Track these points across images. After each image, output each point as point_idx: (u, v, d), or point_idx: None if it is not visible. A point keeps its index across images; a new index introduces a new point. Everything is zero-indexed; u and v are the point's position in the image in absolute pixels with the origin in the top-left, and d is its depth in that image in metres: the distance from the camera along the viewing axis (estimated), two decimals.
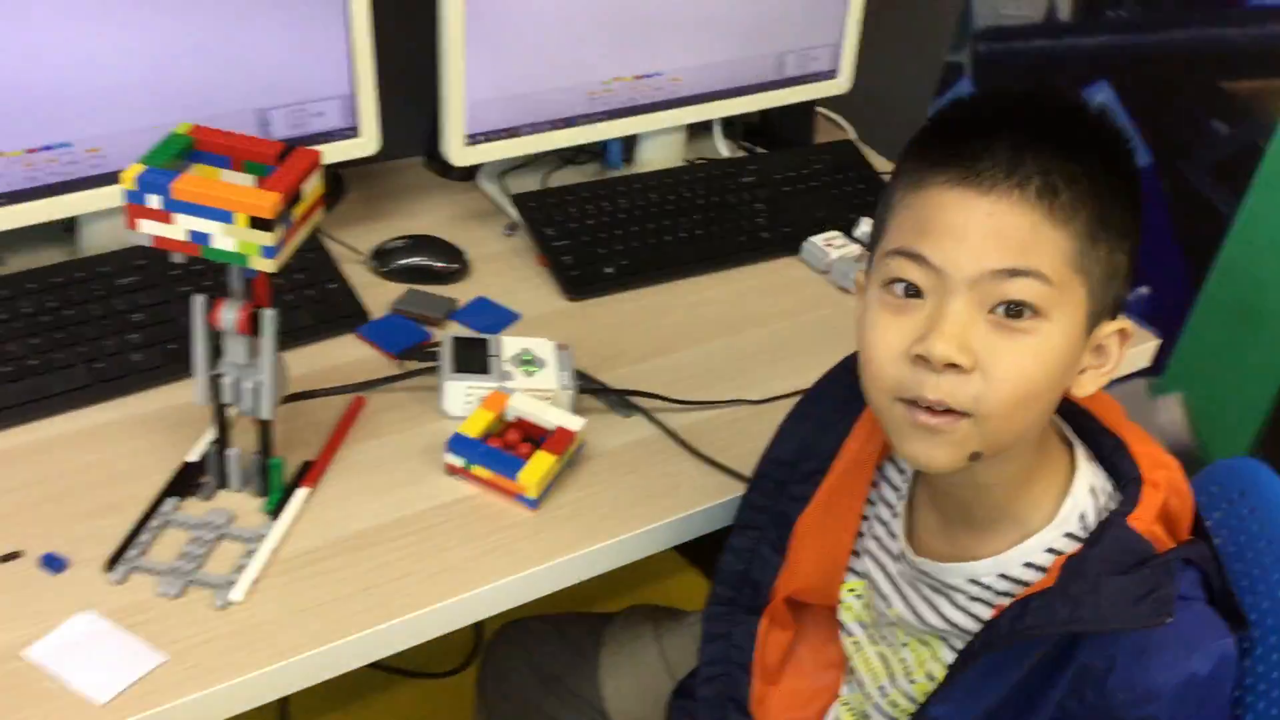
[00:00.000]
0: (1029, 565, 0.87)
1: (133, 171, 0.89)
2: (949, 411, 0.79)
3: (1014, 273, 0.77)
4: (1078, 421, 0.92)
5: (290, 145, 0.94)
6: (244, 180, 0.93)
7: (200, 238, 0.90)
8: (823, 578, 1.02)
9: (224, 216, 0.89)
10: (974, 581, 0.90)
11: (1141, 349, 1.41)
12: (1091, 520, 0.87)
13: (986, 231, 0.77)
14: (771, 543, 1.02)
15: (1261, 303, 1.67)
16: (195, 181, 0.89)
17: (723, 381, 1.28)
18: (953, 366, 0.78)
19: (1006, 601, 0.86)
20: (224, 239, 0.90)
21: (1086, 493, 0.87)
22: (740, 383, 1.28)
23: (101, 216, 1.25)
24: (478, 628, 1.90)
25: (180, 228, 0.90)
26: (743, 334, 1.36)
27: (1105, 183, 0.79)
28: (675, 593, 2.01)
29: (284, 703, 1.74)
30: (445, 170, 1.56)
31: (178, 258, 0.93)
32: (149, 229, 0.91)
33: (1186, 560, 0.84)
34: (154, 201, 0.89)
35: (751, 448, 1.17)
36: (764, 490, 1.03)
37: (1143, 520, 0.83)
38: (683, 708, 1.19)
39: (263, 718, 1.69)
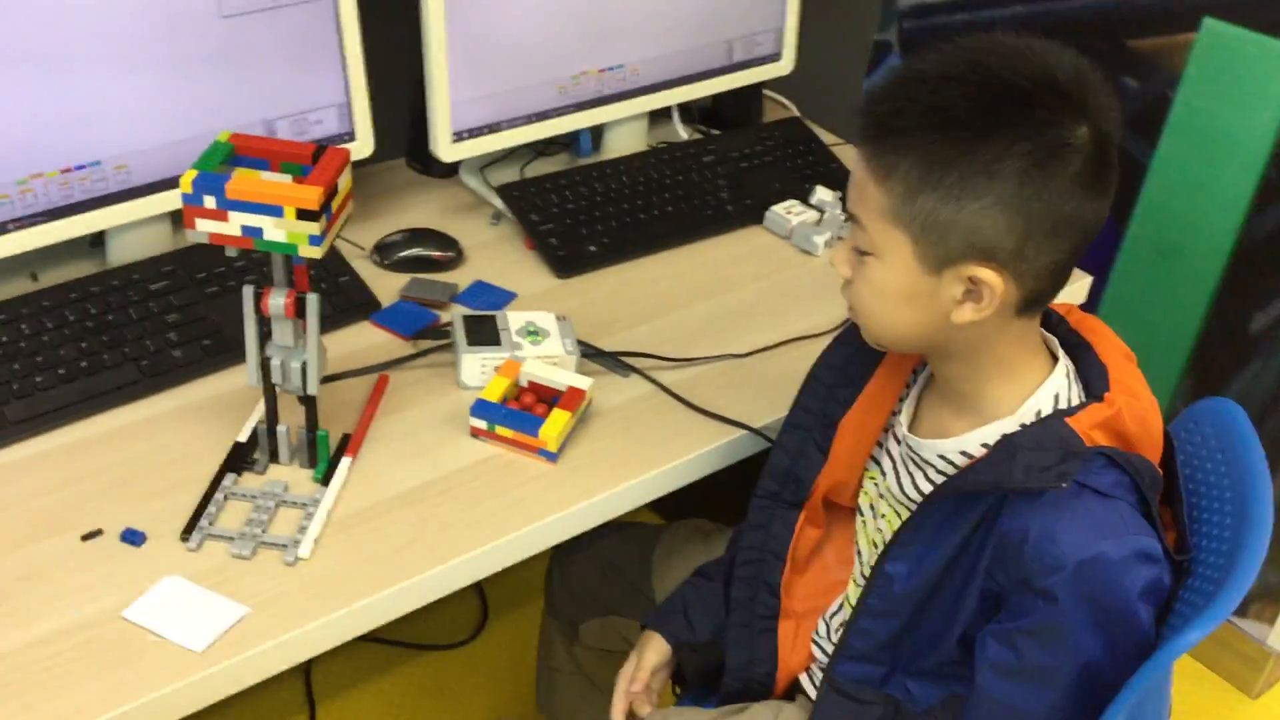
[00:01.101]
0: (984, 445, 1.03)
1: (188, 177, 1.00)
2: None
3: (850, 217, 1.00)
4: (1076, 352, 1.05)
5: (322, 146, 1.05)
6: (283, 179, 1.04)
7: (253, 231, 1.01)
8: (853, 471, 1.17)
9: (275, 211, 1.00)
10: (941, 456, 1.06)
11: (1076, 286, 1.56)
12: (1063, 405, 1.01)
13: (851, 177, 0.99)
14: (816, 442, 1.16)
15: (1181, 239, 1.83)
16: (246, 181, 1.00)
17: (706, 340, 1.41)
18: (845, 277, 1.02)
19: None
20: (275, 231, 1.01)
21: (1050, 396, 1.02)
22: (722, 340, 1.41)
23: (128, 229, 1.35)
24: (484, 600, 2.02)
25: (235, 224, 1.01)
26: (719, 297, 1.49)
27: (929, 147, 0.91)
28: None
29: (308, 678, 1.84)
30: (427, 168, 1.67)
31: (231, 252, 1.04)
32: (206, 227, 1.01)
33: (1112, 461, 0.96)
34: (210, 202, 1.00)
35: (738, 395, 1.32)
36: (815, 393, 1.16)
37: (1081, 423, 0.96)
38: (695, 581, 1.31)
39: (288, 693, 1.81)
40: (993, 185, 0.91)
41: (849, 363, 1.14)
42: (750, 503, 1.21)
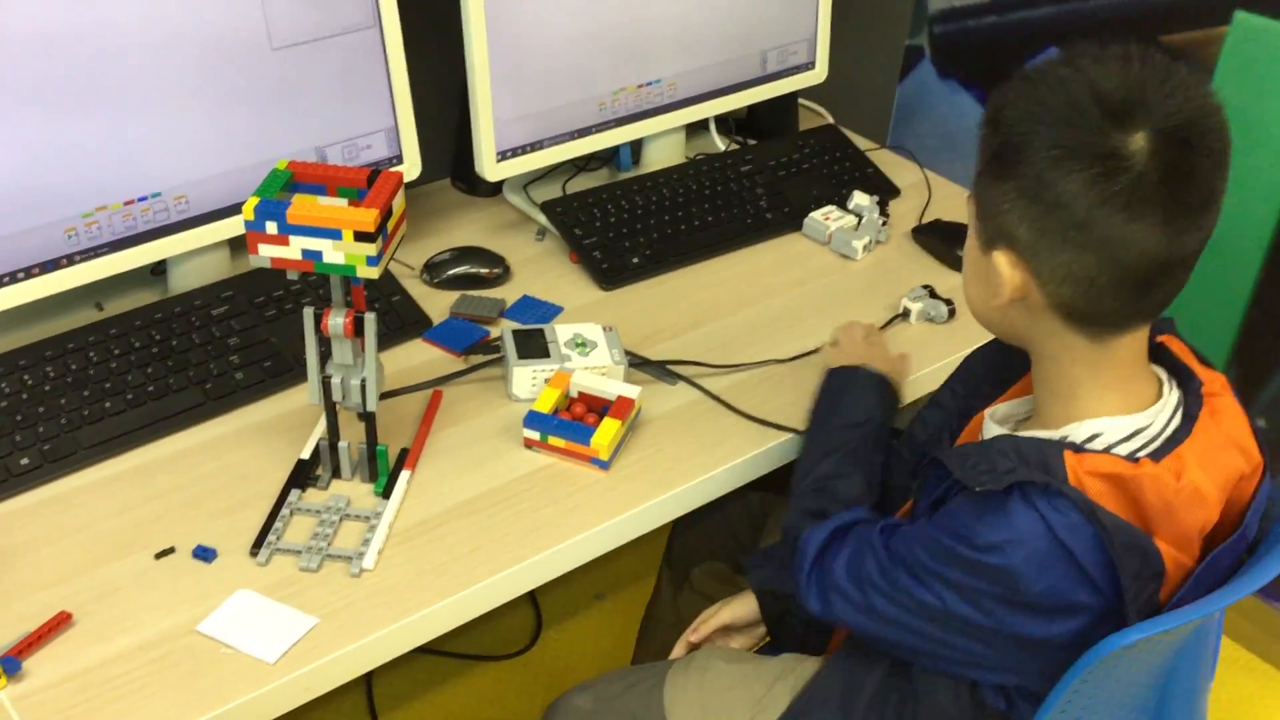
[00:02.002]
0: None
1: (251, 204, 1.04)
2: None
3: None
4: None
5: (376, 170, 1.09)
6: (339, 204, 1.07)
7: (313, 255, 1.05)
8: None
9: (334, 234, 1.04)
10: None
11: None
12: (1098, 447, 0.98)
13: None
14: (952, 430, 1.19)
15: (1219, 232, 1.83)
16: (306, 206, 1.04)
17: (751, 346, 1.43)
18: None
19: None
20: (334, 253, 1.05)
21: (1089, 429, 0.99)
22: (766, 345, 1.43)
23: (189, 257, 1.40)
24: (538, 610, 2.05)
25: (295, 248, 1.05)
26: (762, 304, 1.52)
27: (994, 130, 0.96)
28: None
29: (369, 691, 1.88)
30: (471, 188, 1.71)
31: (291, 275, 1.08)
32: (268, 252, 1.05)
33: (1084, 514, 0.92)
34: (271, 228, 1.04)
35: (785, 400, 1.34)
36: (964, 380, 1.21)
37: (1080, 463, 0.94)
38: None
39: (350, 706, 1.85)
40: (1020, 169, 0.93)
41: (999, 359, 1.16)
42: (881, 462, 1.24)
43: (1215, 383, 1.04)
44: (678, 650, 1.33)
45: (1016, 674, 1.03)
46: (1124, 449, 0.98)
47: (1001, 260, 0.97)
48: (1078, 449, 0.96)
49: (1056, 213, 0.92)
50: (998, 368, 1.16)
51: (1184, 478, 0.95)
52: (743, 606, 1.32)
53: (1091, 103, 0.90)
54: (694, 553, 1.54)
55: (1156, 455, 0.97)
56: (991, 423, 1.10)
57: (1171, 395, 1.02)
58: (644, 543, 1.26)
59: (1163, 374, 1.04)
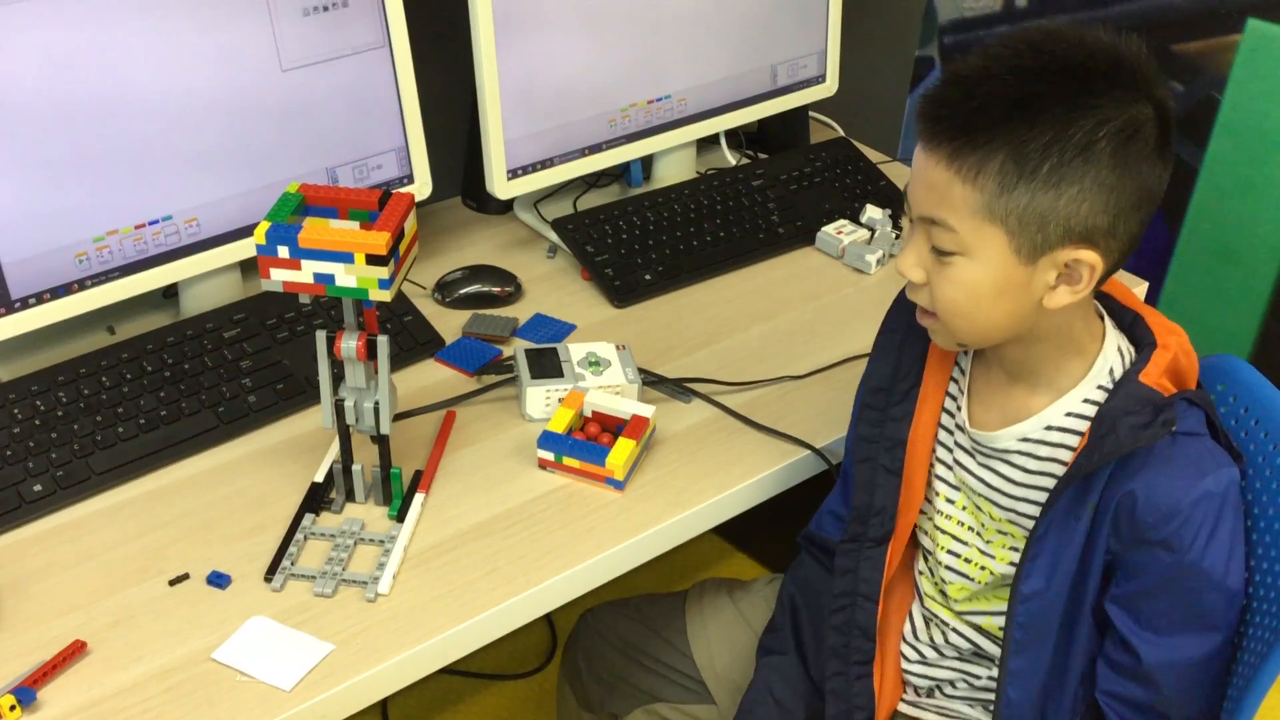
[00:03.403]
0: (1070, 414, 1.05)
1: (262, 228, 1.03)
2: (926, 311, 1.04)
3: (931, 221, 0.99)
4: (1103, 302, 1.09)
5: (387, 192, 1.09)
6: (351, 226, 1.07)
7: (325, 278, 1.05)
8: (925, 478, 1.17)
9: (345, 258, 1.03)
10: (1024, 439, 1.07)
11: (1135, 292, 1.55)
12: (1119, 373, 1.04)
13: (920, 181, 0.99)
14: (886, 466, 1.16)
15: (1235, 240, 1.82)
16: (317, 229, 1.03)
17: (765, 362, 1.42)
18: (913, 281, 1.02)
19: (1054, 464, 1.06)
20: (346, 277, 1.04)
21: (1115, 351, 1.06)
22: (781, 361, 1.42)
23: (200, 279, 1.39)
24: (552, 628, 2.04)
25: (307, 272, 1.04)
26: (776, 319, 1.51)
27: (1021, 139, 0.93)
28: (727, 575, 2.14)
29: (384, 711, 1.87)
30: (482, 206, 1.71)
31: (304, 299, 1.07)
32: (280, 276, 1.05)
33: (1190, 402, 1.02)
34: (283, 252, 1.03)
35: (802, 415, 1.33)
36: (870, 421, 1.17)
37: (1151, 376, 1.02)
38: (768, 661, 1.29)
39: None
40: (1088, 168, 0.94)
41: (893, 380, 1.16)
42: (837, 549, 1.21)
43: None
44: None
45: None
46: (1127, 349, 1.07)
47: (1084, 255, 0.97)
48: (1138, 370, 1.02)
49: (1133, 188, 0.96)
50: (891, 391, 1.16)
51: (1174, 329, 1.06)
52: None
53: (1122, 75, 0.95)
54: (612, 686, 1.39)
55: (1145, 338, 1.06)
56: (995, 431, 1.09)
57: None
58: (659, 560, 1.25)
59: None
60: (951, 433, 1.14)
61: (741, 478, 1.26)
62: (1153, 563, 1.01)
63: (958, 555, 1.16)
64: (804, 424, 1.32)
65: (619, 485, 1.23)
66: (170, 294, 1.42)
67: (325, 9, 1.36)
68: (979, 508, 1.13)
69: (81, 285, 1.29)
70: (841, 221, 1.65)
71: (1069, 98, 0.94)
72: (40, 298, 1.27)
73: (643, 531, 1.19)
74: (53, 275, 1.27)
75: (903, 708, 1.23)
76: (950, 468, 1.15)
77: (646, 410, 1.27)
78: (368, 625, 1.07)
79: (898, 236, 1.64)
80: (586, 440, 1.25)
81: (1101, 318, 1.08)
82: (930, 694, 1.23)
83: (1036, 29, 0.97)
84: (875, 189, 1.76)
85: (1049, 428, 1.06)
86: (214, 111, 1.32)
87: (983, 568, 1.14)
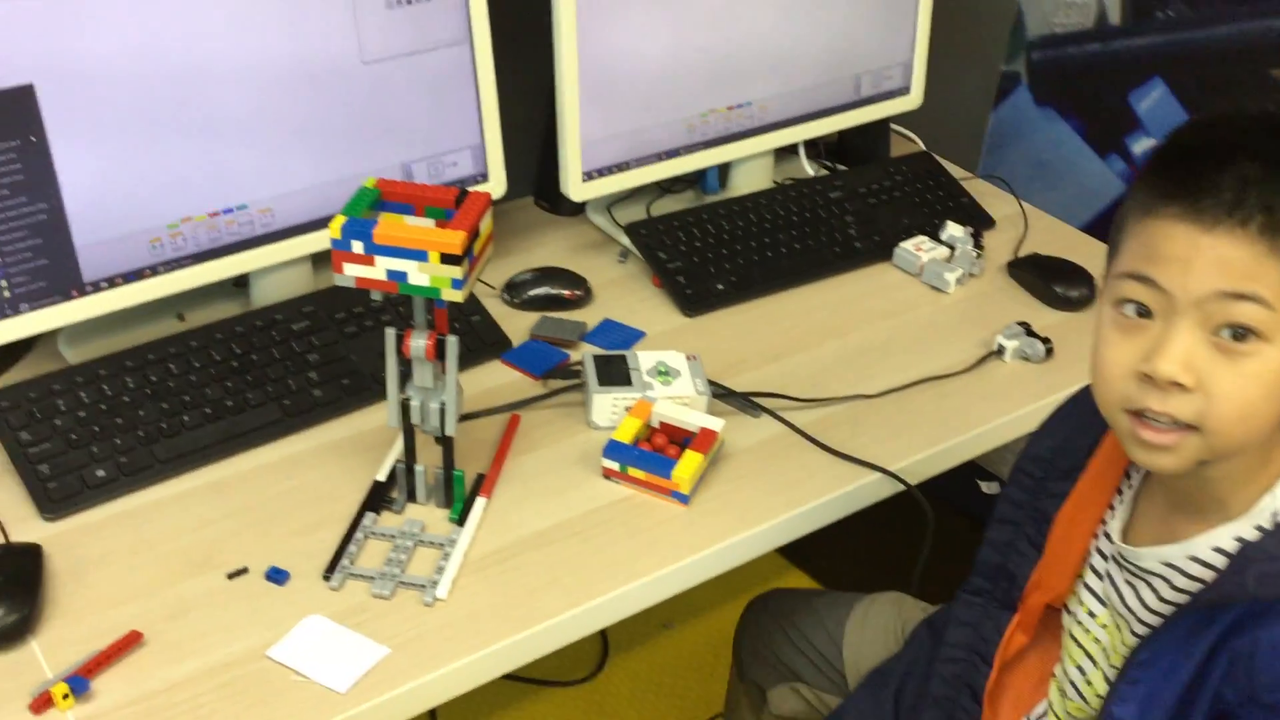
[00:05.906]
0: (1217, 550, 0.92)
1: (337, 222, 1.02)
2: (1176, 425, 0.86)
3: (1238, 296, 0.83)
4: None
5: (464, 190, 1.07)
6: (426, 224, 1.05)
7: (398, 276, 1.03)
8: (1069, 571, 1.07)
9: (419, 255, 1.01)
10: (1167, 564, 0.95)
11: None
12: None
13: (1209, 261, 0.83)
14: (1029, 538, 1.09)
15: None
16: (392, 226, 1.02)
17: (837, 380, 1.39)
18: (1177, 385, 0.85)
19: (1188, 597, 0.93)
20: (419, 275, 1.02)
21: None
22: (853, 380, 1.39)
23: (271, 270, 1.38)
24: (604, 637, 2.02)
25: (380, 268, 1.03)
26: (849, 336, 1.47)
27: None
28: None
29: (433, 711, 1.85)
30: (555, 207, 1.69)
31: (374, 295, 1.05)
32: (353, 271, 1.03)
33: None
34: (357, 247, 1.02)
35: (871, 438, 1.30)
36: (1023, 486, 1.09)
37: None
38: (864, 695, 1.25)
39: None
40: None
41: (1057, 455, 1.07)
42: (957, 598, 1.15)
43: None
44: None
45: None
46: None
47: None
48: None
49: None
50: (1054, 464, 1.07)
51: None
52: None
53: None
54: (766, 661, 1.42)
55: None
56: (1140, 549, 0.97)
57: None
58: None
59: None
60: (1104, 556, 1.05)
61: (810, 497, 1.23)
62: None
63: (1084, 673, 1.06)
64: (876, 445, 1.29)
65: (684, 499, 1.20)
66: (241, 284, 1.41)
67: (409, 2, 1.34)
68: (1118, 627, 1.02)
69: (154, 271, 1.28)
70: (920, 238, 1.61)
71: None
72: (112, 281, 1.26)
73: (707, 548, 1.16)
74: (126, 260, 1.26)
75: None
76: (1101, 577, 1.05)
77: (715, 424, 1.24)
78: (424, 630, 1.05)
79: (979, 256, 1.60)
80: (653, 452, 1.22)
81: None
82: None
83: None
84: (956, 205, 1.71)
85: (1193, 559, 0.94)
86: (293, 102, 1.31)
87: (1100, 695, 1.04)
